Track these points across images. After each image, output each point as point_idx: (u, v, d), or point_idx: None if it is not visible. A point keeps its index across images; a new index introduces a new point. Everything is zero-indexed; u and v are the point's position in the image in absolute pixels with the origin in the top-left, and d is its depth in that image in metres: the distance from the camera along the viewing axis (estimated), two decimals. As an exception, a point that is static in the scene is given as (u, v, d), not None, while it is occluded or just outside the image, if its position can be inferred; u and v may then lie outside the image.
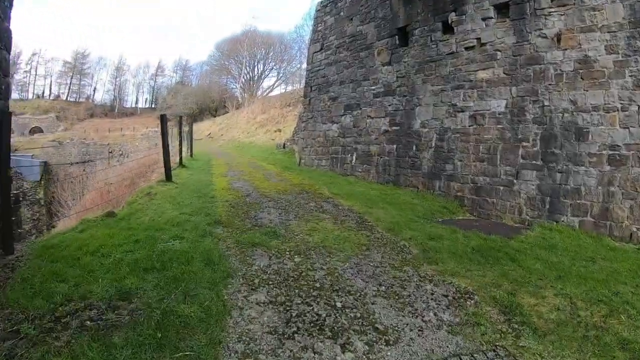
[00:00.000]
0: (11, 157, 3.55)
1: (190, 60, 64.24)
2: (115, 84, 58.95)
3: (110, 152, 33.66)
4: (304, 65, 17.64)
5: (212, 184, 8.34)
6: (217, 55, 54.54)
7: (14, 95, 54.03)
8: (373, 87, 9.38)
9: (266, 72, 54.08)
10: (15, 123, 46.06)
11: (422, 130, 7.95)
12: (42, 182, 28.92)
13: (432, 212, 6.52)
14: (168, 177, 8.19)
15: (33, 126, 45.65)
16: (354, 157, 9.74)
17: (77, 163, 30.09)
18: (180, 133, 17.30)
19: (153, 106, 60.69)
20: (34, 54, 57.43)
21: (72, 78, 58.16)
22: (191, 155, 16.69)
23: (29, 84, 56.98)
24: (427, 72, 7.94)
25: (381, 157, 8.94)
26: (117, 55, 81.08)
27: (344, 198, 7.06)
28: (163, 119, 8.61)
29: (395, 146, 8.58)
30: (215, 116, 46.09)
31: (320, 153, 11.18)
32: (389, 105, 8.86)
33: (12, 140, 3.61)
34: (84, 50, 60.42)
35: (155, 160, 17.81)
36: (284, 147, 18.87)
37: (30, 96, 55.54)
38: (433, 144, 7.66)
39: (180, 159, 12.55)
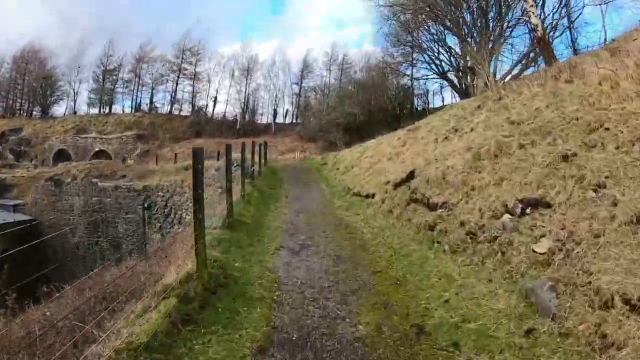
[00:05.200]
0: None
1: (350, 51, 41.47)
2: (242, 91, 42.50)
3: (146, 207, 14.15)
4: None
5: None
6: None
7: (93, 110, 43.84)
8: None
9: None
10: (73, 145, 32.50)
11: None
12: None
13: None
14: None
15: (97, 149, 32.90)
16: None
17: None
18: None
19: (296, 120, 41.62)
20: (138, 60, 44.59)
21: (176, 84, 44.16)
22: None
23: (132, 93, 44.74)
24: None
25: None
26: (241, 52, 60.99)
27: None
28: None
29: None
30: (397, 127, 21.20)
31: None
32: None
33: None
34: (195, 45, 44.05)
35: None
36: None
37: (127, 110, 43.45)
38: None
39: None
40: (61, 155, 33.60)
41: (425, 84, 28.68)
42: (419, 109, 28.19)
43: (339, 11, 74.00)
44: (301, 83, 43.85)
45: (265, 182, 11.21)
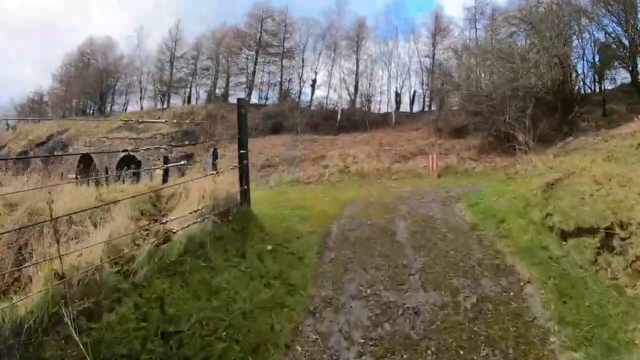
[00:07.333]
0: None
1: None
2: (351, 69, 30.07)
3: None
4: None
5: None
6: None
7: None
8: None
9: None
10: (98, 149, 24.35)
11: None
12: None
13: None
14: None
15: (123, 151, 22.16)
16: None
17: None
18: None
19: (429, 108, 28.85)
20: (217, 43, 34.71)
21: (254, 63, 31.89)
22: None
23: (210, 81, 35.51)
24: None
25: None
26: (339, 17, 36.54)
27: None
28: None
29: None
30: None
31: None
32: None
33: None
34: (279, 12, 32.73)
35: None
36: None
37: (194, 101, 34.66)
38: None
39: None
40: (87, 162, 26.31)
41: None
42: None
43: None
44: (433, 55, 29.83)
45: None
